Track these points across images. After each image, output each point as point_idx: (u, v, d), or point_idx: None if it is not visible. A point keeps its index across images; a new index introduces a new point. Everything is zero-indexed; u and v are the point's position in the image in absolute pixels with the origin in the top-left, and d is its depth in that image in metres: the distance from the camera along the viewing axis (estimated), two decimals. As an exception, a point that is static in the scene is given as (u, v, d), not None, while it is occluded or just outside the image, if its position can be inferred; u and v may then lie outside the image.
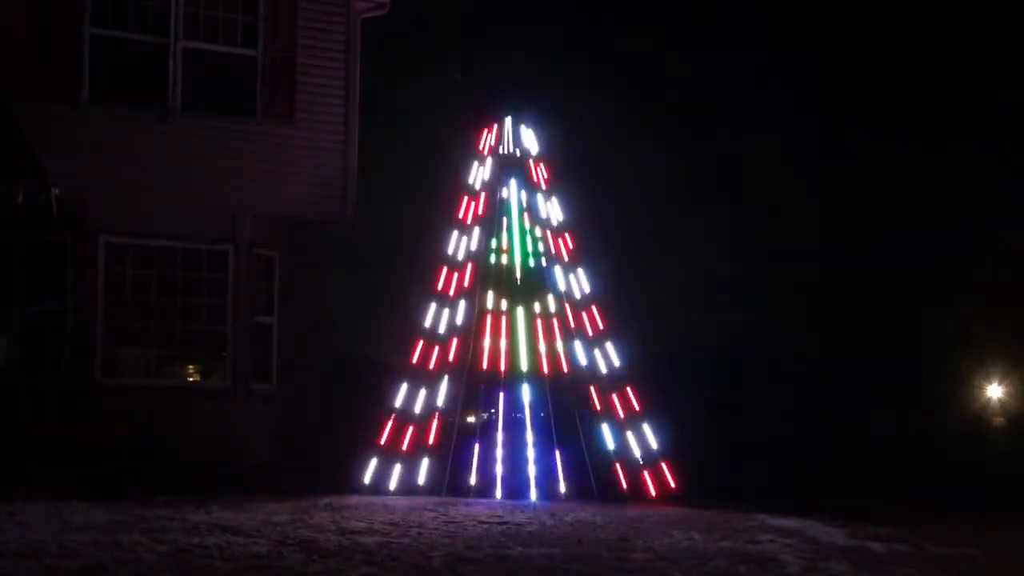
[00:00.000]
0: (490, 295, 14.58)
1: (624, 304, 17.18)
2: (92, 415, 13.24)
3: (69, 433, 12.96)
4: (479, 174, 15.38)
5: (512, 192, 15.14)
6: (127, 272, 13.86)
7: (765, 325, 27.85)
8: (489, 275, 14.73)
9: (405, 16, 16.86)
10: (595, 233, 16.89)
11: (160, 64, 14.03)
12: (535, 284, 14.82)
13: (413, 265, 17.15)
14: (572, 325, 14.68)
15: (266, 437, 14.13)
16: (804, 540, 9.98)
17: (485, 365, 14.24)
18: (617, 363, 14.58)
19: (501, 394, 14.08)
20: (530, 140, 15.61)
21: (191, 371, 14.39)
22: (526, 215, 15.09)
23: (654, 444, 14.15)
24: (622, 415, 14.23)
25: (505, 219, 15.01)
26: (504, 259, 14.84)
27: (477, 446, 13.84)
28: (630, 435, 14.13)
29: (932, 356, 25.26)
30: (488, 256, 14.85)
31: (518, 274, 14.78)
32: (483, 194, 15.22)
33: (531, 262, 14.94)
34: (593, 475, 13.71)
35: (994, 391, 27.10)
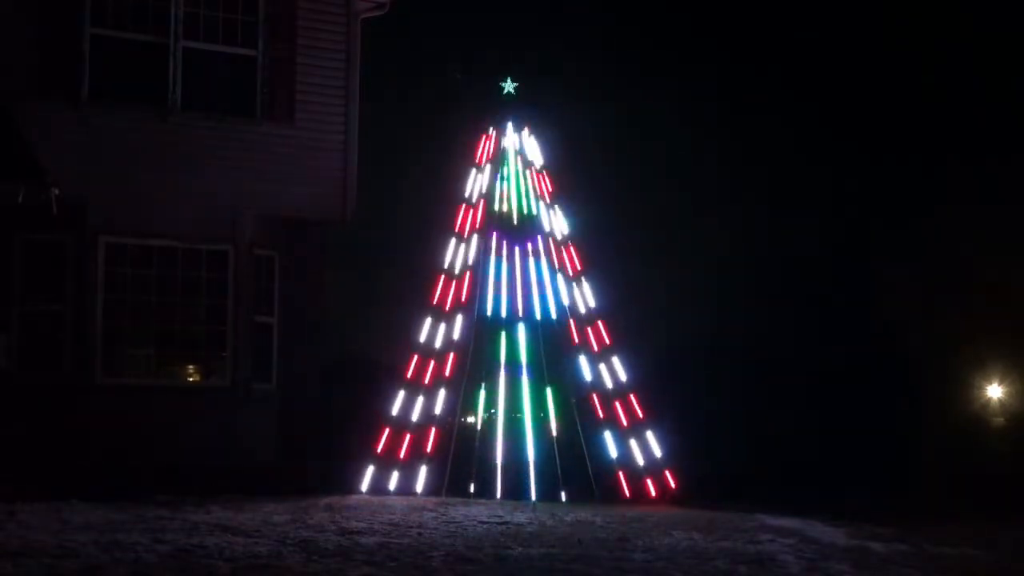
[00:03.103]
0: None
1: (627, 311, 17.19)
2: (92, 415, 13.23)
3: (69, 433, 12.97)
4: (477, 183, 15.36)
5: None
6: (127, 272, 13.85)
7: (765, 325, 27.86)
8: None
9: (405, 16, 16.88)
10: (600, 243, 16.90)
11: (160, 64, 14.03)
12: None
13: (411, 272, 17.15)
14: (576, 340, 14.62)
15: (266, 437, 14.13)
16: (804, 540, 9.98)
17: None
18: (623, 376, 14.55)
19: (501, 391, 14.07)
20: (533, 151, 15.59)
21: (191, 371, 14.39)
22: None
23: (657, 451, 14.14)
24: (625, 423, 14.21)
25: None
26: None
27: (477, 447, 13.83)
28: (634, 445, 14.10)
29: (932, 356, 25.26)
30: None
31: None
32: (481, 203, 15.20)
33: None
34: (594, 480, 13.69)
35: (994, 391, 27.10)
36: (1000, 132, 29.61)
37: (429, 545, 8.97)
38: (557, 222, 15.35)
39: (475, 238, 14.99)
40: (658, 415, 14.54)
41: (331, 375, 16.31)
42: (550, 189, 15.50)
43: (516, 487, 13.45)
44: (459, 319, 14.49)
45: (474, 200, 15.27)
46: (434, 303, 14.65)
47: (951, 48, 31.56)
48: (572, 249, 15.21)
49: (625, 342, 14.96)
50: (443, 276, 14.83)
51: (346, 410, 16.02)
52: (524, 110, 15.59)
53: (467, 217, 15.21)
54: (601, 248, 17.15)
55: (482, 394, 14.18)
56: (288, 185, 14.60)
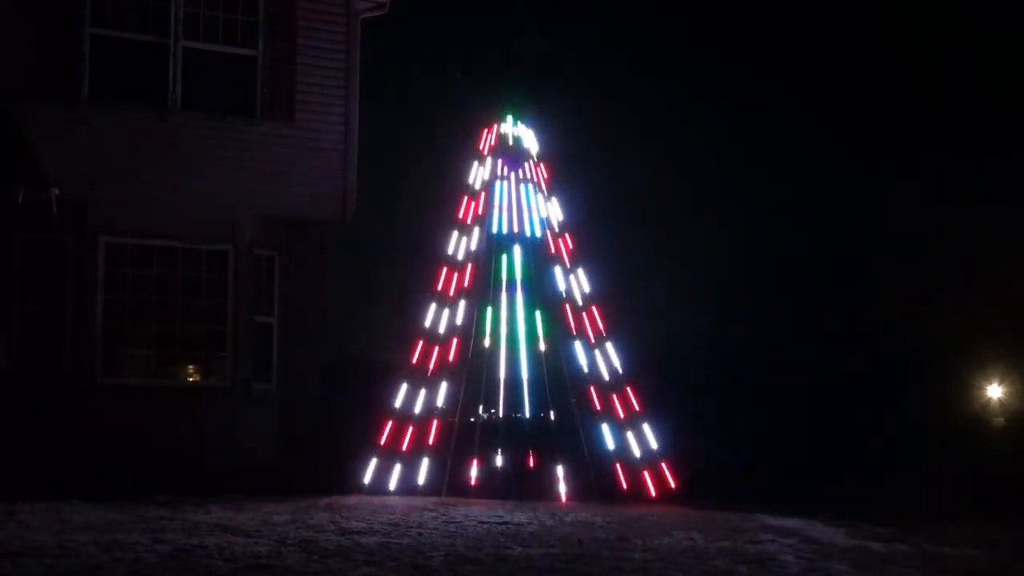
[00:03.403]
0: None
1: (624, 304, 17.20)
2: (92, 415, 13.24)
3: (69, 433, 12.97)
4: (479, 174, 15.37)
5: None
6: (127, 272, 13.86)
7: (765, 324, 27.86)
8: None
9: (405, 16, 16.88)
10: (596, 232, 16.92)
11: (160, 64, 14.04)
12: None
13: (413, 264, 17.16)
14: (572, 327, 14.64)
15: (266, 437, 14.13)
16: (804, 540, 9.97)
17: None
18: (618, 365, 14.55)
19: (501, 390, 14.10)
20: (530, 141, 15.60)
21: (191, 371, 14.39)
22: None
23: (654, 444, 14.14)
24: (622, 415, 14.22)
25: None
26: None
27: (477, 447, 13.83)
28: (631, 437, 14.11)
29: (932, 356, 25.26)
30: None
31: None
32: (483, 194, 15.21)
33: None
34: (594, 476, 13.69)
35: (994, 391, 27.09)
36: (1000, 132, 29.62)
37: (429, 545, 8.97)
38: (553, 211, 15.35)
39: (476, 229, 14.99)
40: (656, 413, 14.53)
41: (331, 375, 16.30)
42: (547, 180, 15.50)
43: (516, 486, 13.45)
44: (462, 305, 14.52)
45: (476, 190, 15.27)
46: (438, 290, 14.68)
47: (951, 48, 31.56)
48: (568, 238, 15.22)
49: (622, 335, 14.95)
50: (446, 265, 14.85)
51: (346, 410, 16.01)
52: (524, 106, 15.58)
53: (469, 207, 15.21)
54: (599, 242, 17.17)
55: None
56: (288, 185, 14.61)
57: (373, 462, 13.59)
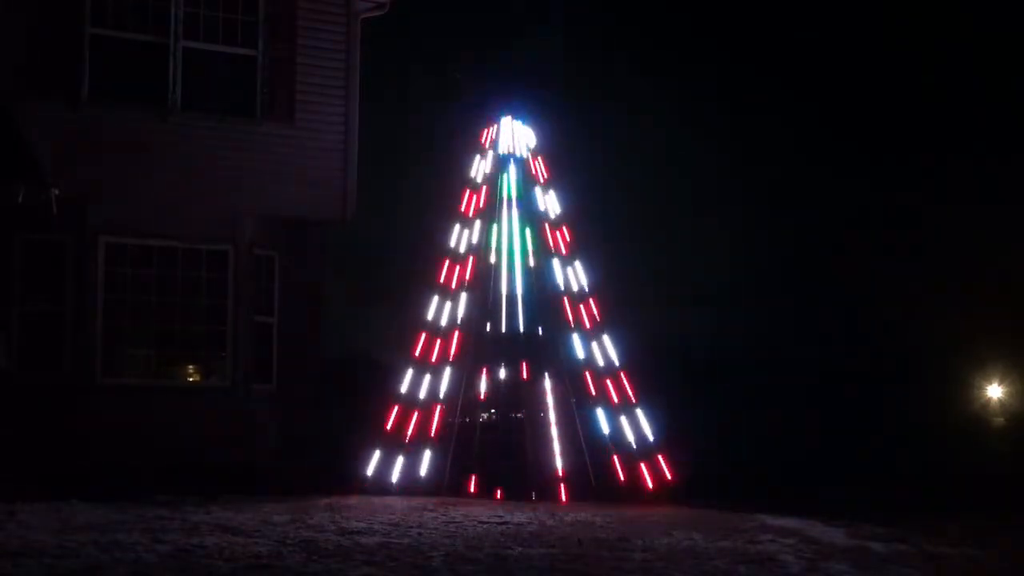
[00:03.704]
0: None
1: (621, 298, 17.23)
2: (92, 415, 13.24)
3: (69, 433, 12.97)
4: (480, 167, 15.39)
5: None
6: (127, 272, 13.86)
7: (766, 323, 27.88)
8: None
9: (405, 16, 16.89)
10: (594, 227, 16.96)
11: (160, 64, 14.03)
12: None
13: (414, 262, 17.18)
14: (570, 318, 14.68)
15: (266, 437, 14.12)
16: (804, 540, 9.97)
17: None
18: (614, 356, 14.58)
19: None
20: (528, 135, 15.61)
21: (191, 371, 14.39)
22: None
23: (650, 435, 14.14)
24: (616, 401, 14.25)
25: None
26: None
27: (477, 446, 13.84)
28: (626, 425, 14.12)
29: (932, 356, 25.27)
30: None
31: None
32: (484, 187, 15.23)
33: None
34: (592, 471, 13.70)
35: (994, 391, 27.09)
36: (1000, 133, 29.63)
37: (429, 545, 8.97)
38: (550, 203, 15.37)
39: (477, 222, 15.04)
40: (655, 412, 14.53)
41: (331, 374, 16.30)
42: (545, 174, 15.52)
43: (516, 486, 13.45)
44: (463, 297, 14.55)
45: (478, 183, 15.29)
46: (440, 283, 14.71)
47: (951, 48, 31.59)
48: (565, 230, 15.25)
49: (619, 329, 14.98)
50: (448, 258, 14.87)
51: (346, 410, 16.01)
52: (523, 105, 15.58)
53: (471, 200, 15.23)
54: (598, 236, 17.22)
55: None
56: (288, 185, 14.60)
57: (377, 452, 13.62)
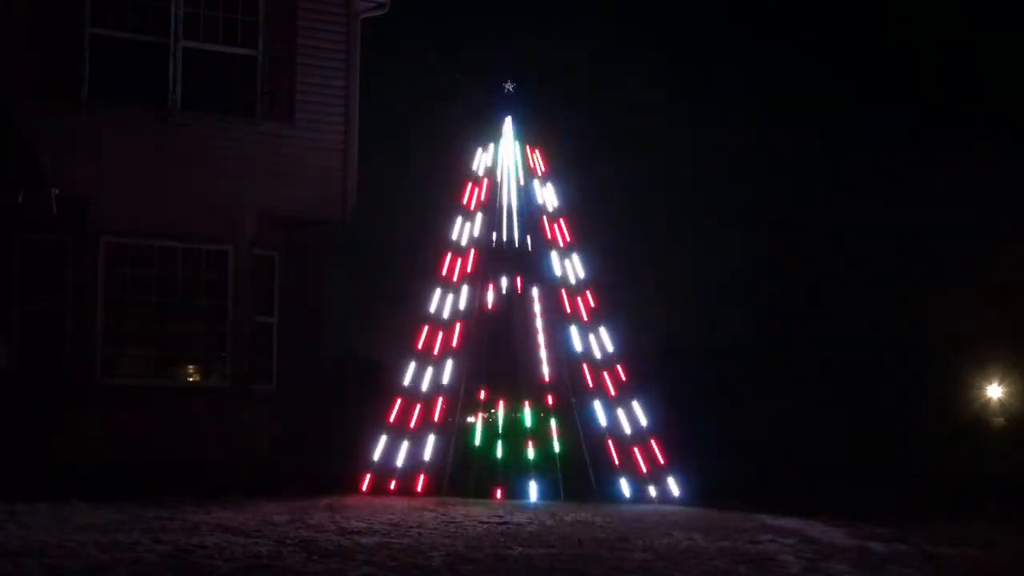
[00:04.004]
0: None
1: (620, 294, 17.24)
2: (92, 415, 13.24)
3: (69, 433, 12.98)
4: (482, 160, 15.40)
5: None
6: (127, 272, 13.87)
7: (763, 321, 27.86)
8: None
9: (405, 16, 16.88)
10: (592, 219, 16.95)
11: (160, 64, 14.04)
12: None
13: (415, 255, 17.19)
14: (568, 310, 14.69)
15: (266, 437, 14.13)
16: (804, 540, 9.97)
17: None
18: (611, 348, 14.61)
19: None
20: (527, 133, 15.62)
21: (191, 371, 14.40)
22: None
23: (644, 421, 14.16)
24: (614, 393, 14.28)
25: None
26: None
27: (477, 446, 13.85)
28: (623, 416, 14.15)
29: (932, 356, 25.24)
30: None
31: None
32: (486, 180, 15.24)
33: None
34: (591, 467, 13.72)
35: (994, 391, 27.07)
36: (1001, 133, 29.61)
37: (429, 545, 8.97)
38: (548, 196, 15.37)
39: (479, 215, 15.07)
40: (656, 418, 14.54)
41: (331, 375, 16.28)
42: (544, 167, 15.52)
43: (516, 486, 13.45)
44: (465, 290, 14.57)
45: (480, 176, 15.30)
46: (442, 276, 14.73)
47: (952, 47, 31.57)
48: (563, 222, 15.27)
49: (617, 324, 14.99)
50: (450, 251, 14.89)
51: (345, 409, 16.00)
52: (523, 105, 15.57)
53: (473, 193, 15.23)
54: (596, 231, 17.21)
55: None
56: (288, 185, 14.61)
57: (382, 439, 13.67)
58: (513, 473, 13.61)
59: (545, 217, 15.19)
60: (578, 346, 14.48)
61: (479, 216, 15.04)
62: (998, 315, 26.07)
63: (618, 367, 14.52)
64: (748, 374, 24.56)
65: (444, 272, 14.78)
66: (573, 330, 14.57)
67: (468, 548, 8.88)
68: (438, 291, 14.64)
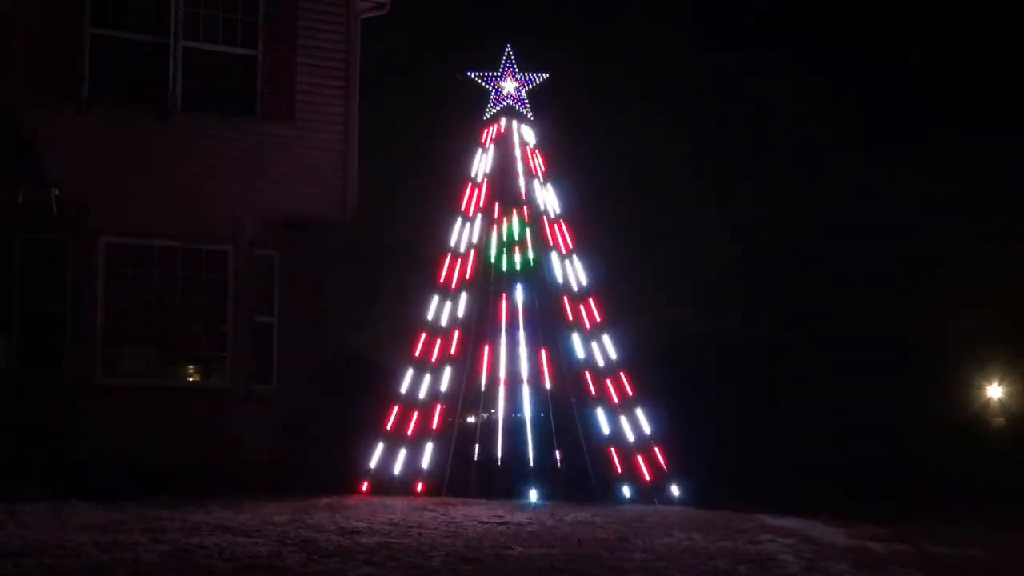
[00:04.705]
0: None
1: (620, 295, 17.26)
2: (92, 415, 13.25)
3: (69, 433, 12.98)
4: (481, 163, 15.39)
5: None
6: (127, 272, 13.87)
7: (764, 321, 27.87)
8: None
9: (405, 16, 16.88)
10: (593, 222, 16.96)
11: (160, 64, 14.04)
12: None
13: (415, 259, 17.18)
14: (570, 317, 14.66)
15: (266, 437, 14.13)
16: (804, 540, 9.97)
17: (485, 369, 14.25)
18: (614, 355, 14.58)
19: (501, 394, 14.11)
20: (527, 132, 15.60)
21: (191, 371, 14.39)
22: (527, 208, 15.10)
23: (647, 429, 14.15)
24: (616, 401, 14.26)
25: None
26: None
27: (477, 446, 13.85)
28: (625, 424, 14.13)
29: (932, 356, 25.26)
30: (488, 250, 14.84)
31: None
32: (485, 183, 15.23)
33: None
34: (591, 466, 13.72)
35: (994, 391, 27.09)
36: (1001, 133, 29.62)
37: (429, 545, 8.97)
38: (549, 199, 15.35)
39: (479, 219, 15.04)
40: (652, 407, 14.55)
41: (331, 375, 16.27)
42: (544, 168, 15.51)
43: (516, 486, 13.45)
44: (464, 296, 14.55)
45: (479, 180, 15.29)
46: (441, 282, 14.71)
47: (954, 45, 31.60)
48: (564, 226, 15.25)
49: (619, 327, 14.98)
50: (449, 256, 14.87)
51: (345, 410, 16.00)
52: (523, 105, 15.55)
53: (472, 197, 15.21)
54: (598, 232, 17.21)
55: None
56: (288, 185, 14.61)
57: (379, 446, 13.66)
58: (513, 476, 13.61)
59: (546, 220, 15.16)
60: (580, 353, 14.45)
61: (478, 219, 15.02)
62: (998, 315, 26.09)
63: (620, 373, 14.49)
64: (748, 374, 24.58)
65: (443, 278, 14.75)
66: (575, 337, 14.53)
67: (468, 548, 8.88)
68: (436, 298, 14.61)
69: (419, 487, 13.54)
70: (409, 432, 13.87)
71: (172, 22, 14.08)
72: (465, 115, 16.12)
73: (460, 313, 14.50)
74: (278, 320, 14.78)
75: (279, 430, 14.30)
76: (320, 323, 15.48)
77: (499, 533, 9.92)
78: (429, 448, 13.72)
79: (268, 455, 13.95)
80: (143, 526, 9.33)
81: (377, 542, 9.00)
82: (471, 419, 14.39)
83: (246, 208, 14.34)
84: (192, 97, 14.19)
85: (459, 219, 15.10)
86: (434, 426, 13.85)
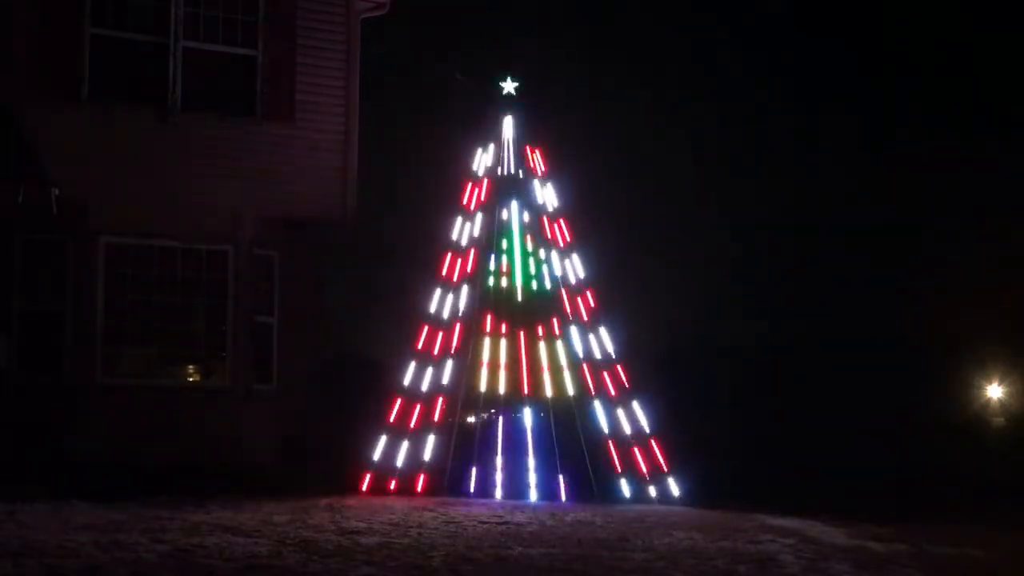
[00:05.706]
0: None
1: (619, 292, 17.26)
2: (92, 415, 13.24)
3: (69, 433, 12.97)
4: (482, 161, 15.40)
5: (513, 214, 15.08)
6: (127, 272, 13.86)
7: (764, 321, 27.88)
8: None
9: (405, 16, 16.88)
10: (592, 217, 16.98)
11: (160, 64, 14.03)
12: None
13: (415, 255, 17.20)
14: (568, 311, 14.68)
15: (266, 437, 14.12)
16: (804, 540, 9.98)
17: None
18: (611, 349, 14.60)
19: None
20: (527, 130, 15.61)
21: (191, 371, 14.39)
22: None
23: (645, 424, 14.16)
24: (614, 394, 14.27)
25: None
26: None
27: (477, 446, 13.85)
28: (623, 417, 14.14)
29: (932, 356, 25.26)
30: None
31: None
32: (486, 180, 15.24)
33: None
34: (591, 466, 13.72)
35: (994, 391, 27.08)
36: (1002, 133, 29.62)
37: (429, 545, 8.97)
38: (548, 196, 15.36)
39: (479, 215, 15.03)
40: (656, 419, 14.54)
41: (331, 374, 16.30)
42: (543, 167, 15.53)
43: (516, 486, 13.46)
44: (465, 290, 14.56)
45: (480, 175, 15.30)
46: (442, 277, 14.73)
47: (952, 50, 31.60)
48: (562, 222, 15.26)
49: (618, 323, 15.00)
50: (450, 251, 14.88)
51: (345, 409, 16.02)
52: (523, 107, 15.57)
53: (473, 193, 15.22)
54: (596, 227, 17.23)
55: None
56: (288, 185, 14.60)
57: (382, 439, 13.64)
58: (514, 473, 13.62)
59: (545, 217, 15.19)
60: (579, 348, 14.48)
61: (479, 216, 15.04)
62: (998, 315, 26.10)
63: (618, 368, 14.52)
64: (748, 374, 24.59)
65: (444, 272, 14.79)
66: (573, 331, 14.56)
67: (468, 548, 8.88)
68: (438, 291, 14.65)
69: (420, 481, 13.54)
70: (412, 424, 13.91)
71: (172, 22, 14.08)
72: (464, 116, 16.15)
73: (461, 308, 14.53)
74: (278, 320, 14.78)
75: (279, 430, 14.30)
76: (320, 323, 15.49)
77: (499, 533, 9.92)
78: (431, 441, 13.74)
79: (268, 455, 13.95)
80: (143, 526, 9.33)
81: (377, 542, 9.00)
82: (471, 419, 14.39)
83: (246, 208, 14.33)
84: (192, 97, 14.18)
85: (460, 215, 15.12)
86: (436, 419, 13.88)
